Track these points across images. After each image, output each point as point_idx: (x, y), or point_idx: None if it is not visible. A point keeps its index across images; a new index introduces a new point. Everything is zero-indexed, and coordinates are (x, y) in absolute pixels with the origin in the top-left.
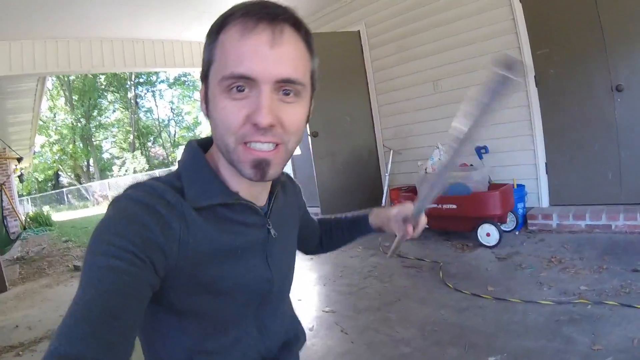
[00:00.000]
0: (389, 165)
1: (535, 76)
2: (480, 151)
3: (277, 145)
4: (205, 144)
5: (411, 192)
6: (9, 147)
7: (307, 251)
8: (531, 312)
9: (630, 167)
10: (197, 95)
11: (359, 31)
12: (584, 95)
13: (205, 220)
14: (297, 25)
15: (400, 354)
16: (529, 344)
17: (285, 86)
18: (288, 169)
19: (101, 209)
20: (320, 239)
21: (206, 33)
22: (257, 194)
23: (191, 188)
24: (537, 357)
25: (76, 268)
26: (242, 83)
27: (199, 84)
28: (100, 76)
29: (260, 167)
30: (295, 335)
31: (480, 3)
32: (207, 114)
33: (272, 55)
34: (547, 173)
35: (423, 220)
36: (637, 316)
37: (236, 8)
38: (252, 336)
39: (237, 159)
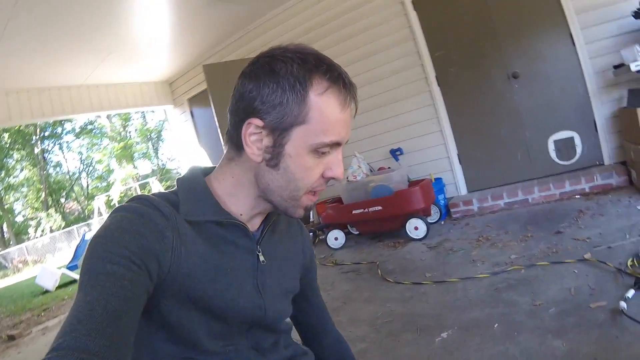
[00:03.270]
0: None
1: (436, 77)
2: (396, 153)
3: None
4: (206, 170)
5: (337, 202)
6: None
7: (305, 339)
8: (471, 287)
9: (536, 145)
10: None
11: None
12: (484, 87)
13: (198, 235)
14: None
15: (358, 350)
16: (476, 315)
17: None
18: None
19: (23, 276)
20: (327, 348)
21: (280, 79)
22: (250, 219)
23: (186, 203)
24: (486, 324)
25: (10, 338)
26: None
27: (249, 125)
28: (4, 134)
29: (308, 209)
30: (300, 354)
31: (378, 16)
32: (269, 163)
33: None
34: (460, 163)
35: None
36: (569, 270)
37: (324, 69)
38: (247, 353)
39: (296, 205)
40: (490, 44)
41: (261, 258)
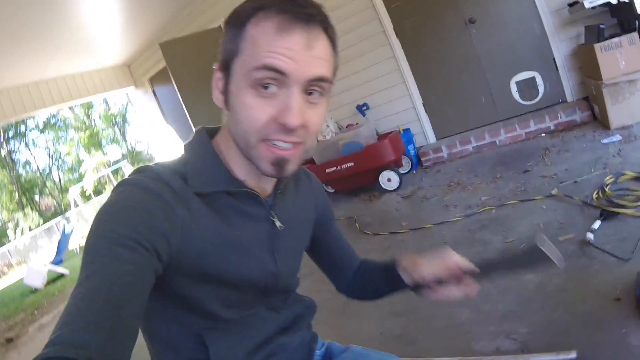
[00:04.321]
0: None
1: (394, 29)
2: (362, 109)
3: (297, 144)
4: (213, 132)
5: (309, 163)
6: None
7: (338, 284)
8: (446, 231)
9: (498, 88)
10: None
11: (220, 26)
12: (442, 35)
13: (209, 208)
14: (327, 20)
15: (343, 302)
16: None
17: (313, 86)
18: None
19: (9, 279)
20: (353, 277)
21: (226, 21)
22: (262, 184)
23: (195, 174)
24: None
25: (8, 340)
26: (272, 78)
27: (214, 72)
28: None
29: (279, 164)
30: (307, 307)
31: None
32: (226, 106)
33: (306, 57)
34: (426, 113)
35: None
36: (537, 206)
37: (266, 1)
38: (263, 314)
39: (257, 156)
40: None
41: (277, 224)
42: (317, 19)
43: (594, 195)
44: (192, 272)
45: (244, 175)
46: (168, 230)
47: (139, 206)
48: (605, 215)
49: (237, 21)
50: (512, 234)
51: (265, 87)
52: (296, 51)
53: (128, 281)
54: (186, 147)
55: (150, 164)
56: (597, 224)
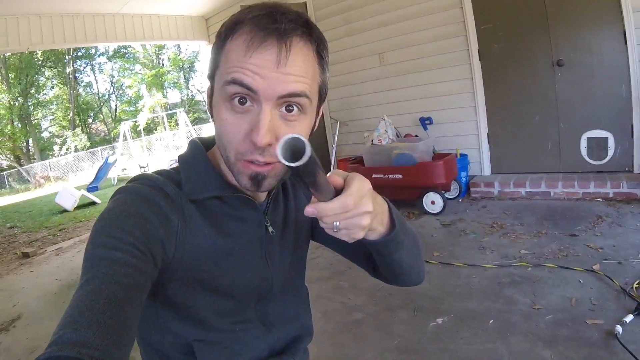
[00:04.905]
0: (336, 137)
1: (478, 50)
2: (425, 122)
3: (271, 163)
4: (207, 142)
5: (358, 163)
6: None
7: (367, 269)
8: (475, 275)
9: (568, 139)
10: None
11: (305, 3)
12: (526, 70)
13: (202, 215)
14: (308, 35)
15: (353, 320)
16: (474, 306)
17: (289, 101)
18: None
19: (44, 191)
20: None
21: (216, 33)
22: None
23: (189, 181)
24: (482, 318)
25: (24, 255)
26: (243, 93)
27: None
28: (37, 52)
29: (257, 179)
30: (305, 330)
31: None
32: (212, 116)
33: (276, 74)
34: (489, 143)
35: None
36: (574, 278)
37: (246, 15)
38: (256, 329)
39: (236, 171)
40: (540, 26)
41: (270, 229)
42: (293, 34)
43: (635, 285)
44: (185, 278)
45: (234, 179)
46: (163, 236)
47: (135, 212)
48: None
49: (222, 35)
50: (540, 300)
51: (242, 103)
52: (264, 67)
53: (127, 283)
54: (180, 158)
55: (147, 173)
56: (629, 317)
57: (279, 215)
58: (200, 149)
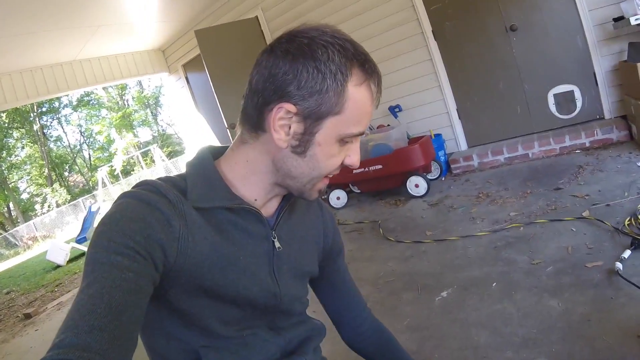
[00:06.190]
0: None
1: (432, 30)
2: (395, 110)
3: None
4: (215, 152)
5: None
6: None
7: (343, 330)
8: (470, 245)
9: (535, 99)
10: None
11: (256, 17)
12: (481, 40)
13: (207, 222)
14: None
15: None
16: (475, 273)
17: None
18: None
19: (33, 252)
20: (365, 332)
21: (321, 66)
22: (264, 203)
23: (195, 189)
24: (485, 283)
25: (26, 316)
26: None
27: (276, 109)
28: (1, 114)
29: (322, 191)
30: (314, 329)
31: None
32: (295, 149)
33: None
34: (460, 118)
35: None
36: (567, 228)
37: (361, 59)
38: (264, 333)
39: (311, 188)
40: None
41: (277, 244)
42: None
43: (626, 222)
44: (188, 285)
45: (244, 192)
46: (164, 240)
47: (136, 216)
48: (636, 245)
49: (335, 71)
50: (538, 255)
51: (347, 142)
52: None
53: (128, 287)
54: (188, 165)
55: (151, 178)
56: (627, 253)
57: (290, 231)
58: (209, 159)
